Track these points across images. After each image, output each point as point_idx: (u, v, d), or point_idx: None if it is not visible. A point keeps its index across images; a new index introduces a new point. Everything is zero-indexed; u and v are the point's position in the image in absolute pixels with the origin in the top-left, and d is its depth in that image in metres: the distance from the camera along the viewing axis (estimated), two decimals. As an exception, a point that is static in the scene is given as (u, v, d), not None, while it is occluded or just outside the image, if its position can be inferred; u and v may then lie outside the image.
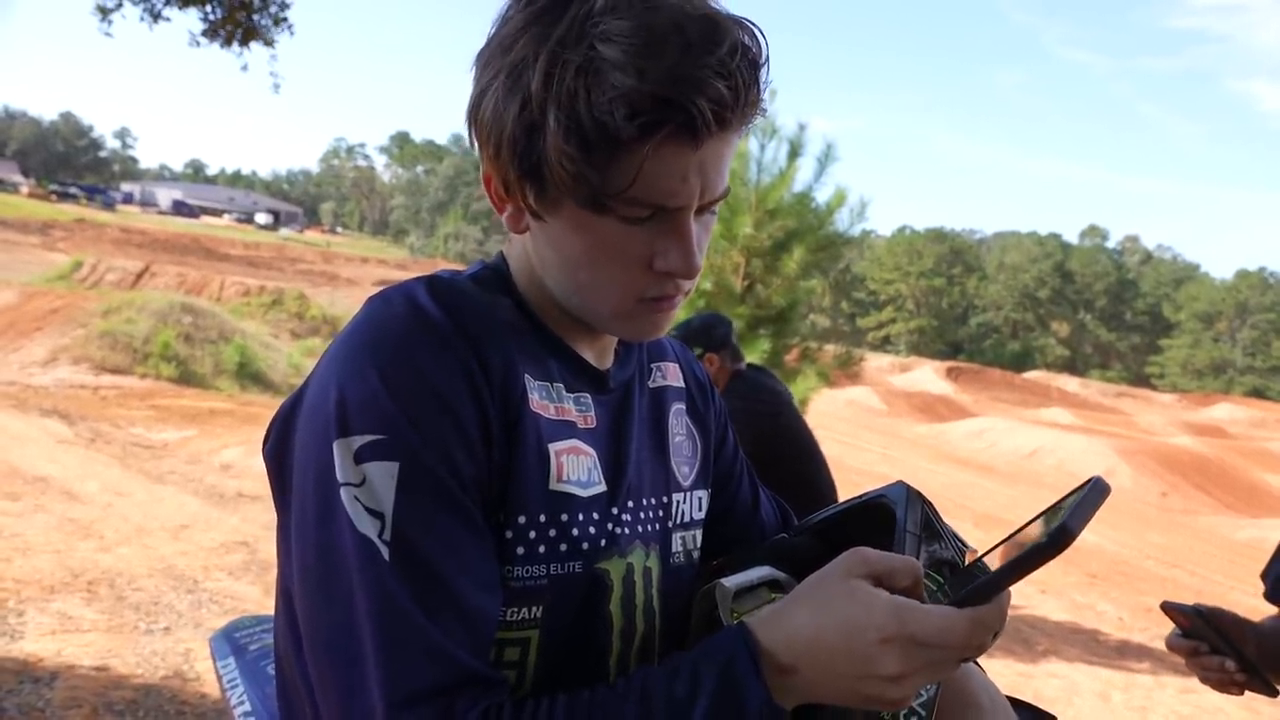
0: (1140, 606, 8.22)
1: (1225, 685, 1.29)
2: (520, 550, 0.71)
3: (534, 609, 0.72)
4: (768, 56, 0.68)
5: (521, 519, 0.71)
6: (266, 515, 6.96)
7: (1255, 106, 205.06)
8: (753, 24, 0.67)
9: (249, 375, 16.27)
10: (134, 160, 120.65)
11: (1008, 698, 0.80)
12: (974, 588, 0.60)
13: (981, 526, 11.17)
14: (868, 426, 23.59)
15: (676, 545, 0.86)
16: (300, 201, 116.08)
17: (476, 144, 0.72)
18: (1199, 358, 66.95)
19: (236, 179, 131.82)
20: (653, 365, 0.90)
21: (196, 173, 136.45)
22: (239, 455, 9.36)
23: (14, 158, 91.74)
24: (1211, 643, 1.29)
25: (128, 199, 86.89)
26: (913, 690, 0.61)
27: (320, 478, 0.66)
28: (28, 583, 4.53)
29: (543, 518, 0.72)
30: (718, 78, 0.63)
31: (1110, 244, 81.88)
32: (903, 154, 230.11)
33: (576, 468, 0.75)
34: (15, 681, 3.30)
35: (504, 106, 0.67)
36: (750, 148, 5.81)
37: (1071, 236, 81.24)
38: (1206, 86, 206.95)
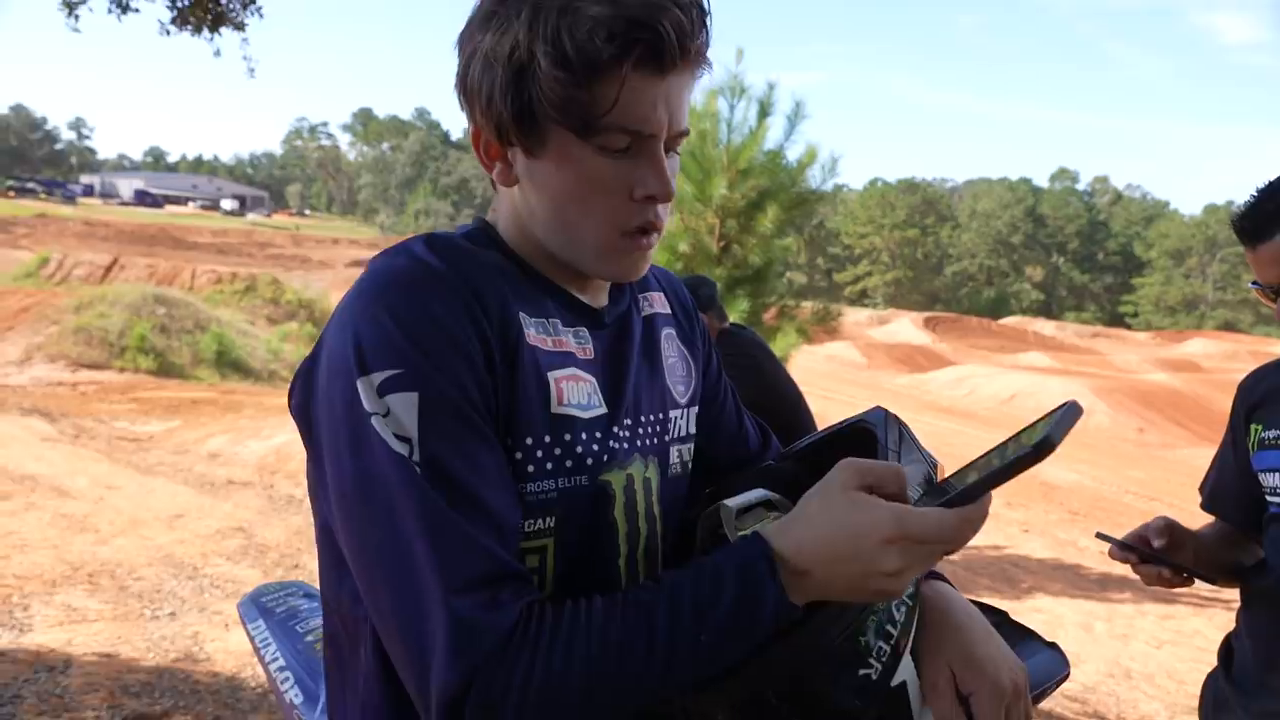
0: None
1: (1167, 583, 1.44)
2: (530, 469, 0.79)
3: (548, 519, 0.80)
4: (710, 10, 0.79)
5: (529, 440, 0.79)
6: (258, 500, 7.00)
7: (1219, 39, 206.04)
8: None
9: (228, 363, 16.18)
10: (92, 151, 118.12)
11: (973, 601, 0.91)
12: (964, 490, 0.69)
13: (964, 471, 11.36)
14: (849, 380, 23.82)
15: (674, 457, 0.95)
16: (265, 185, 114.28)
17: (467, 106, 0.82)
18: (1171, 294, 67.81)
19: (199, 165, 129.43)
20: (640, 296, 0.99)
21: (157, 161, 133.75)
22: (225, 443, 9.37)
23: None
24: (1142, 554, 1.45)
25: (88, 191, 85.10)
26: (909, 581, 0.71)
27: (349, 412, 0.73)
28: (29, 578, 4.57)
29: (547, 438, 0.80)
30: (676, 8, 0.75)
31: (1080, 186, 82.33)
32: (869, 105, 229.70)
33: (576, 393, 0.83)
34: (30, 671, 3.36)
35: (494, 58, 0.77)
36: (720, 108, 5.82)
37: (1042, 180, 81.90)
38: (1171, 21, 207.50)
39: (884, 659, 0.79)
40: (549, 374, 0.81)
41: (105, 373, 13.80)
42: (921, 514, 0.69)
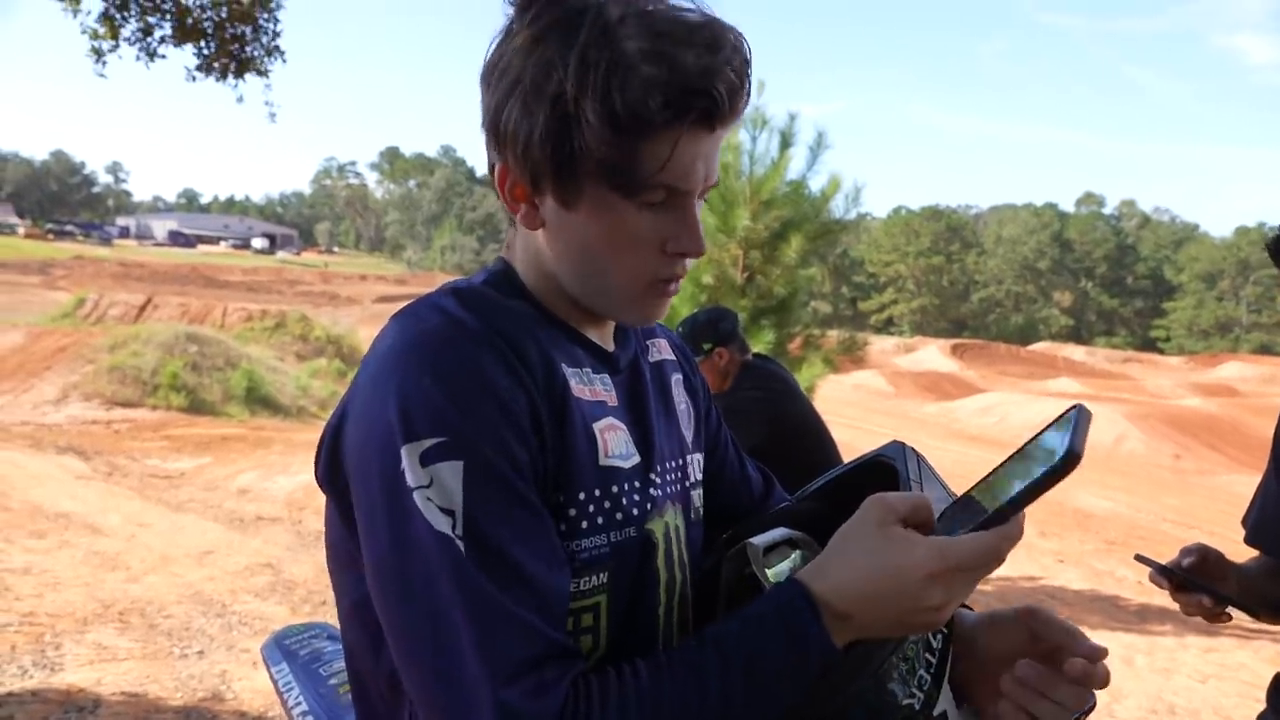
0: (1159, 569, 8.21)
1: (1210, 617, 1.39)
2: (584, 525, 0.78)
3: (601, 575, 0.79)
4: (753, 58, 0.78)
5: (581, 495, 0.77)
6: (287, 537, 7.03)
7: (1243, 61, 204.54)
8: (739, 30, 0.77)
9: (258, 400, 16.32)
10: (128, 194, 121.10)
11: None
12: (998, 510, 0.67)
13: (996, 500, 11.16)
14: (877, 409, 23.59)
15: (695, 502, 0.95)
16: (295, 224, 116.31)
17: (497, 146, 0.78)
18: (1204, 318, 66.77)
19: (230, 205, 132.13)
20: (648, 342, 0.98)
21: (190, 202, 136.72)
22: (255, 479, 9.44)
23: (8, 200, 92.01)
24: (1180, 581, 1.40)
25: (124, 233, 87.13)
26: (953, 610, 0.70)
27: (388, 485, 0.70)
28: (61, 616, 4.60)
29: (597, 492, 0.79)
30: (729, 70, 0.73)
31: (1107, 210, 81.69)
32: (891, 133, 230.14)
33: (616, 443, 0.82)
34: (60, 711, 3.37)
35: (534, 107, 0.74)
36: (741, 140, 5.85)
37: (1068, 205, 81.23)
38: (1192, 45, 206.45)
39: (925, 688, 0.78)
40: (594, 426, 0.80)
41: (138, 410, 13.97)
42: (959, 543, 0.68)
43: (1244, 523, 1.58)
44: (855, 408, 21.15)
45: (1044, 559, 8.56)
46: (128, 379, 14.78)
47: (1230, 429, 22.20)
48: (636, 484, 0.83)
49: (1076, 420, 0.65)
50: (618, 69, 0.71)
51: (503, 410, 0.72)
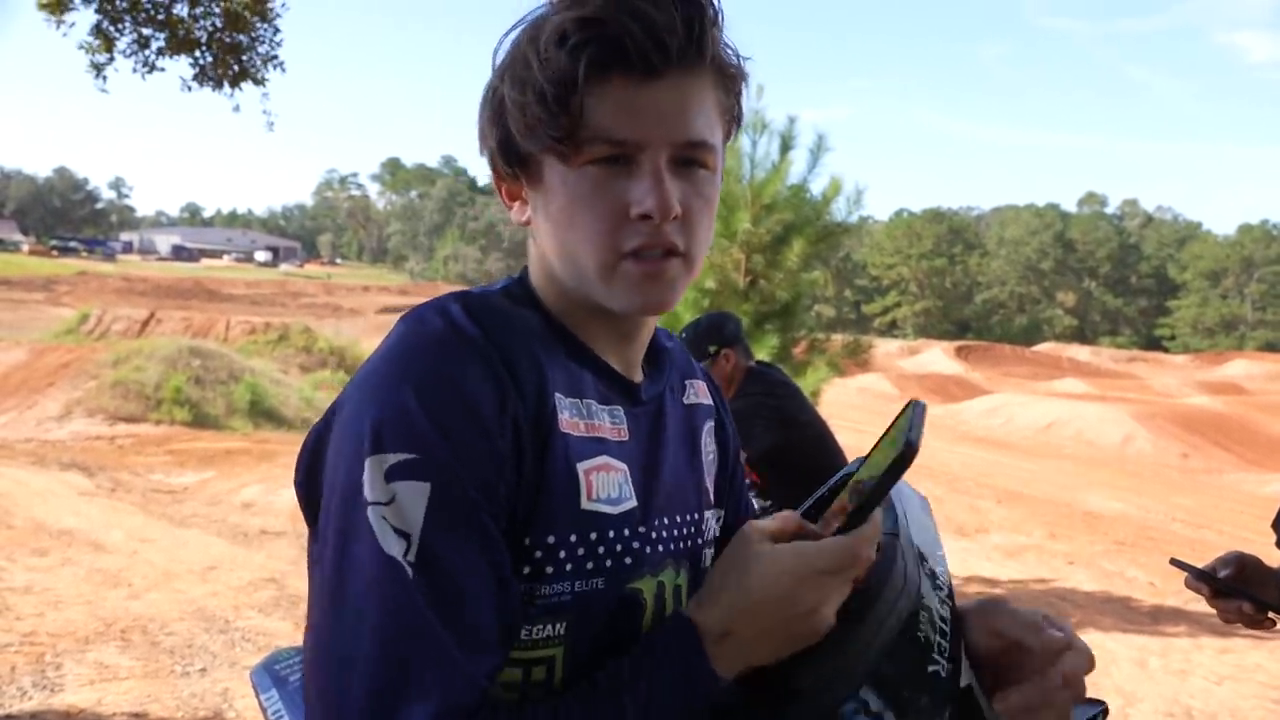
0: (1171, 570, 8.13)
1: (1251, 624, 1.34)
2: (549, 569, 0.72)
3: (558, 625, 0.72)
4: (719, 10, 0.73)
5: (551, 539, 0.71)
6: (291, 551, 6.98)
7: (1244, 59, 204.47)
8: None
9: (262, 412, 16.31)
10: (131, 209, 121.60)
11: None
12: (852, 514, 0.71)
13: (1005, 504, 11.12)
14: (881, 413, 23.44)
15: (705, 562, 0.87)
16: (297, 236, 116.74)
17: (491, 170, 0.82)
18: (1208, 316, 66.63)
19: (233, 219, 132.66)
20: (686, 382, 0.91)
21: (193, 216, 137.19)
22: (259, 493, 9.40)
23: (12, 217, 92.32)
24: (1218, 586, 1.37)
25: (127, 248, 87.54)
26: (831, 615, 0.69)
27: (347, 495, 0.66)
28: (62, 635, 4.56)
29: (573, 537, 0.73)
30: (651, 6, 0.69)
31: (1109, 209, 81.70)
32: (893, 138, 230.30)
33: (606, 485, 0.75)
34: (59, 734, 3.33)
35: (484, 109, 0.77)
36: (742, 144, 5.82)
37: (1070, 205, 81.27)
38: (1193, 43, 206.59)
39: (946, 655, 0.75)
40: (578, 465, 0.73)
41: (142, 425, 13.96)
42: (818, 545, 0.69)
43: (1275, 526, 1.54)
44: (860, 411, 21.05)
45: (1054, 561, 8.49)
46: (131, 394, 14.77)
47: (1238, 427, 22.09)
48: (625, 533, 0.76)
49: (915, 415, 0.71)
50: (531, 37, 0.72)
51: (484, 435, 0.67)
